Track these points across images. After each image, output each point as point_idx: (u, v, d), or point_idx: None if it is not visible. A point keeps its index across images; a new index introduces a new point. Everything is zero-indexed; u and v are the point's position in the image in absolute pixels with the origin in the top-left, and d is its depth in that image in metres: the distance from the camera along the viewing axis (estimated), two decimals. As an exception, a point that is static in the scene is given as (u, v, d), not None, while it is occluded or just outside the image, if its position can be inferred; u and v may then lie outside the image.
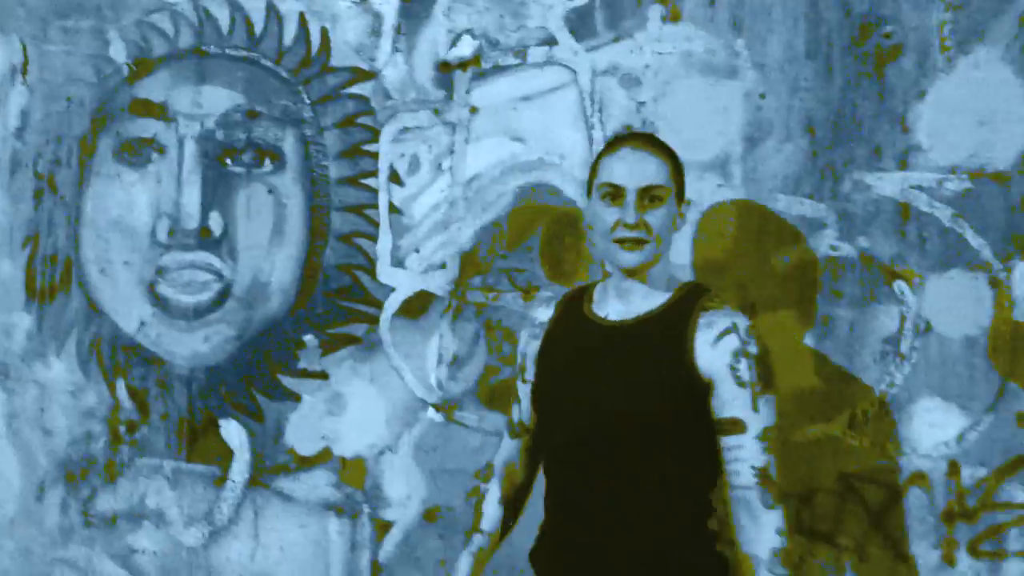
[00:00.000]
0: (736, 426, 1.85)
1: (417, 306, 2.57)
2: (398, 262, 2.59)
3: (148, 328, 2.74)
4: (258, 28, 2.68)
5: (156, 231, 2.71)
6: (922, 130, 2.25)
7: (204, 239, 2.68)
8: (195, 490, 2.70)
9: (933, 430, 2.23)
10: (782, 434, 2.00)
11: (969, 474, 2.21)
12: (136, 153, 2.72)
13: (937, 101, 2.25)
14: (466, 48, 2.57)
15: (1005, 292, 2.19)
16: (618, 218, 1.91)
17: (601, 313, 1.99)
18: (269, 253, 2.66)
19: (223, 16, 2.69)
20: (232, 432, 2.68)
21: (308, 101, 2.64)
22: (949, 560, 2.22)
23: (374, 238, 2.59)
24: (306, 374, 2.65)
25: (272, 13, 2.67)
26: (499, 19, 2.54)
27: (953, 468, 2.22)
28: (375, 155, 2.59)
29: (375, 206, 2.59)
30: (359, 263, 2.60)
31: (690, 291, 1.97)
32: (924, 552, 2.23)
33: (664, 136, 2.37)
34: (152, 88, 2.72)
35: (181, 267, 2.69)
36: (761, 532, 1.83)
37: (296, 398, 2.65)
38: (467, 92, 2.55)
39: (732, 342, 1.86)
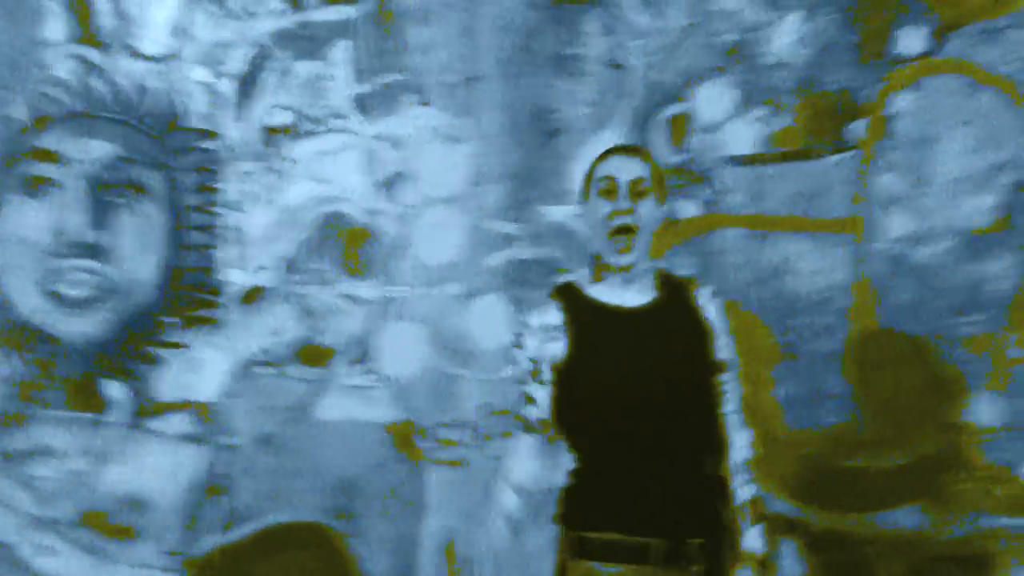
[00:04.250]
0: (725, 366, 2.56)
1: (253, 296, 3.95)
2: (239, 266, 3.96)
3: (45, 315, 3.97)
4: (133, 99, 3.98)
5: (55, 244, 3.95)
6: (576, 179, 3.85)
7: (91, 250, 3.95)
8: (84, 431, 3.95)
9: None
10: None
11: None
12: (36, 188, 3.95)
13: (586, 162, 3.84)
14: (285, 118, 3.98)
15: (624, 279, 3.82)
16: (612, 208, 2.44)
17: (614, 302, 2.48)
18: (141, 260, 3.96)
19: (106, 90, 3.98)
20: (114, 388, 3.95)
21: (171, 151, 3.96)
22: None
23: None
24: (170, 345, 3.96)
25: (143, 88, 3.98)
26: (308, 99, 3.97)
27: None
28: (220, 191, 3.96)
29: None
30: (209, 266, 3.95)
31: (666, 279, 2.57)
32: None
33: (418, 182, 3.88)
34: (50, 140, 3.96)
35: (75, 270, 3.94)
36: (739, 444, 2.54)
37: (163, 362, 3.96)
38: (285, 148, 3.97)
39: (718, 303, 2.59)
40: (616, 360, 2.43)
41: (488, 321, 3.85)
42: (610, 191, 2.48)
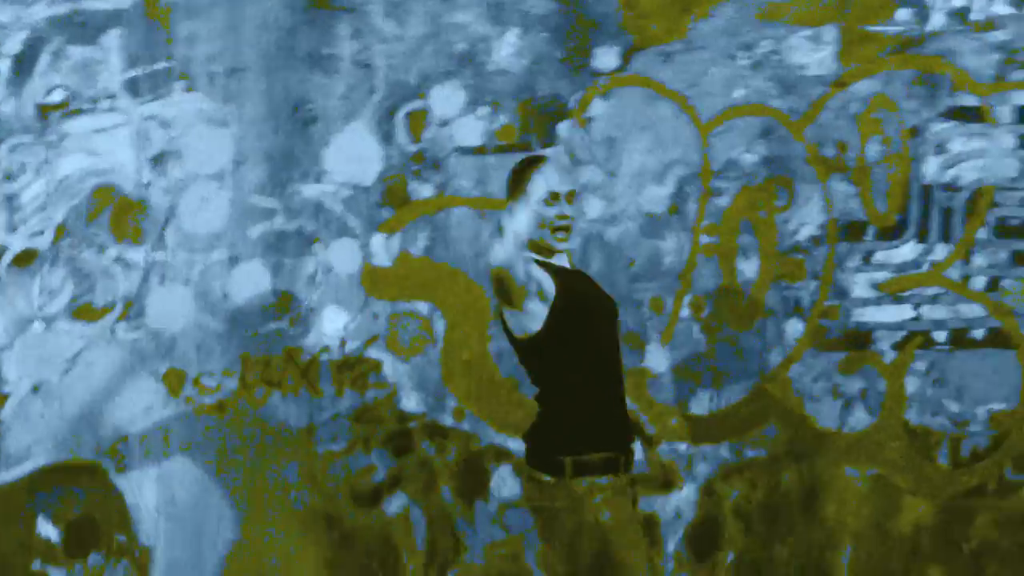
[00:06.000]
0: None
1: (25, 258, 4.37)
2: (12, 230, 4.36)
3: None
4: (-95, 72, 4.29)
5: None
6: (328, 162, 4.51)
7: None
8: None
9: (334, 324, 4.50)
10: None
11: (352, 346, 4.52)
12: None
13: (336, 148, 4.52)
14: (58, 96, 4.40)
15: (366, 252, 4.51)
16: (557, 212, 3.10)
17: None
18: (-84, 225, 4.31)
19: None
20: None
21: (-55, 123, 4.31)
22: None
23: (-6, 214, 4.36)
24: (-56, 303, 4.34)
25: (-85, 63, 4.30)
26: (80, 80, 4.41)
27: (344, 343, 4.51)
28: (-5, 161, 4.36)
29: (-5, 194, 4.36)
30: (-16, 230, 4.35)
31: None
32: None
33: (185, 159, 4.41)
34: None
35: None
36: None
37: (-63, 318, 4.33)
38: (59, 124, 4.39)
39: None
40: (594, 304, 3.18)
41: (249, 283, 4.46)
42: (554, 200, 3.14)
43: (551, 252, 3.20)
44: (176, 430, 4.44)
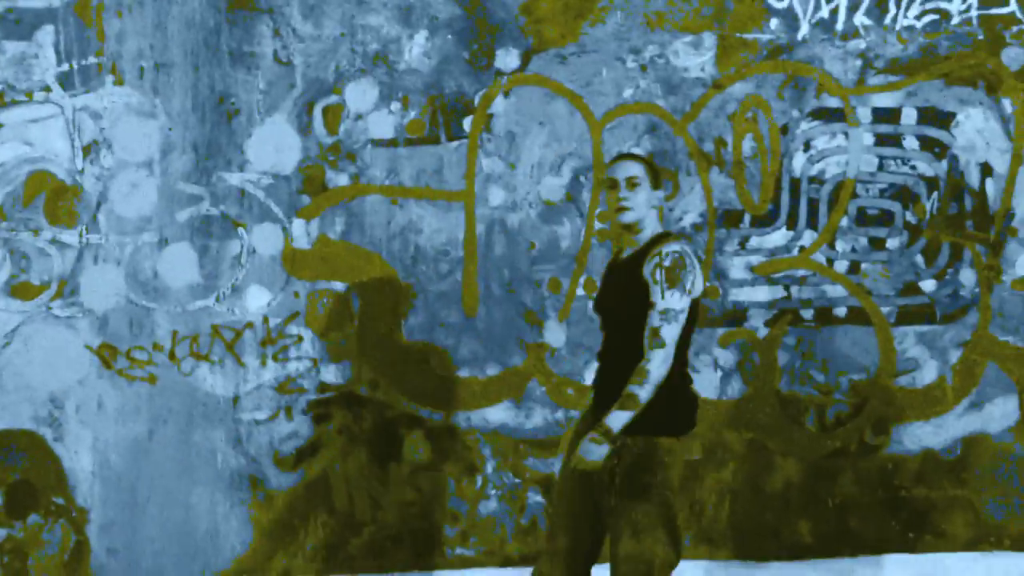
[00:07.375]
0: (652, 304, 3.57)
1: (-35, 240, 4.72)
2: (-49, 214, 4.69)
3: None
4: None
5: None
6: (250, 152, 4.88)
7: None
8: None
9: (258, 302, 4.89)
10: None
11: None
12: None
13: (258, 139, 4.89)
14: (-7, 88, 4.72)
15: (289, 236, 4.90)
16: (616, 198, 3.58)
17: (616, 260, 3.81)
18: None
19: None
20: None
21: None
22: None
23: (-66, 200, 4.67)
24: None
25: None
26: (15, 72, 4.72)
27: (267, 319, 4.91)
28: (-67, 149, 4.67)
29: (-65, 180, 4.66)
30: (-76, 214, 4.67)
31: (658, 236, 3.65)
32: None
33: (114, 151, 4.76)
34: None
35: None
36: (648, 358, 3.51)
37: None
38: (-5, 114, 4.72)
39: (653, 261, 3.57)
40: (599, 294, 3.87)
41: (177, 264, 4.82)
42: (613, 187, 3.64)
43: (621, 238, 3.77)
44: (110, 400, 4.81)
